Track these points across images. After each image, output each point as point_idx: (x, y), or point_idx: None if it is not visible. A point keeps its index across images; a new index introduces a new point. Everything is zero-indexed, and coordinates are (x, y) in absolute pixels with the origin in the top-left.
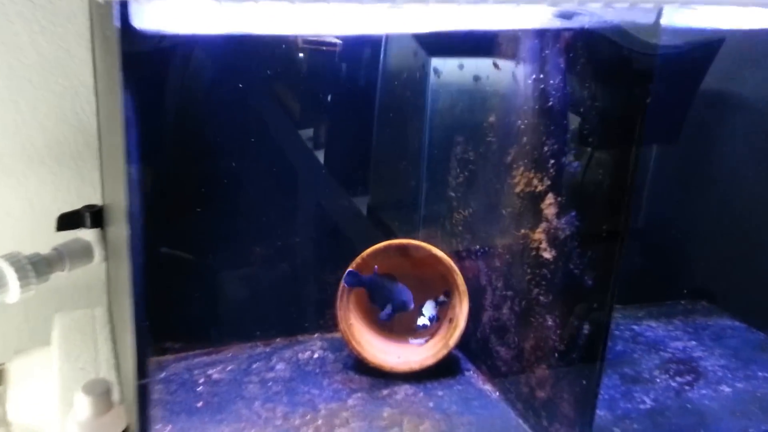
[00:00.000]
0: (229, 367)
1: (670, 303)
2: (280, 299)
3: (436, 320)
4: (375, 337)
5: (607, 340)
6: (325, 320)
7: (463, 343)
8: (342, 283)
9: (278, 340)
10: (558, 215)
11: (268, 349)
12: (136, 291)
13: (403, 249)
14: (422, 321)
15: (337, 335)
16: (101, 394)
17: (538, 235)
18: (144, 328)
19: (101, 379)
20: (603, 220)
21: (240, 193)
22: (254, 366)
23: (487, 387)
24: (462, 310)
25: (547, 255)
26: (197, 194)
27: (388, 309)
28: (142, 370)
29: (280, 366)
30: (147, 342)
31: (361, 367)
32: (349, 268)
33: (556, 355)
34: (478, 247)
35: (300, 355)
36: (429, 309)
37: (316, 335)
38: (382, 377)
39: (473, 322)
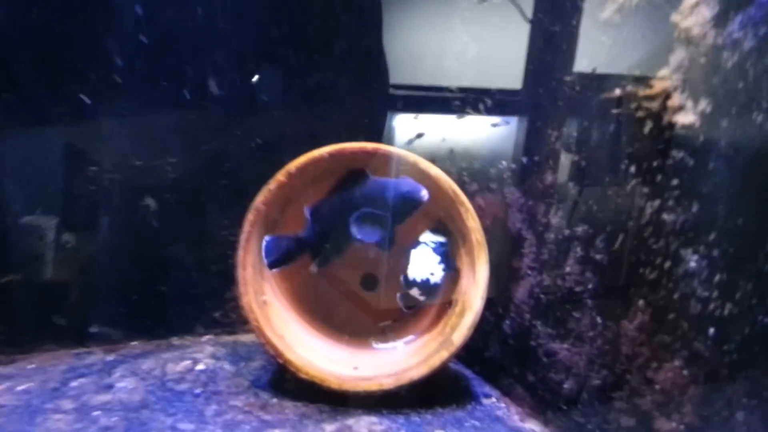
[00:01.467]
0: (25, 386)
1: None
2: (135, 280)
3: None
4: (313, 333)
5: None
6: (224, 311)
7: (475, 348)
8: (250, 217)
9: (134, 344)
10: None
11: (109, 358)
12: None
13: (363, 160)
14: (418, 273)
15: (244, 338)
16: None
17: None
18: None
19: None
20: None
21: None
22: (73, 384)
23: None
24: (476, 281)
25: None
26: None
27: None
28: None
29: (123, 384)
30: None
31: (285, 383)
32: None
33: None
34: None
35: (170, 367)
36: (428, 252)
37: (205, 338)
38: (326, 402)
39: (496, 305)
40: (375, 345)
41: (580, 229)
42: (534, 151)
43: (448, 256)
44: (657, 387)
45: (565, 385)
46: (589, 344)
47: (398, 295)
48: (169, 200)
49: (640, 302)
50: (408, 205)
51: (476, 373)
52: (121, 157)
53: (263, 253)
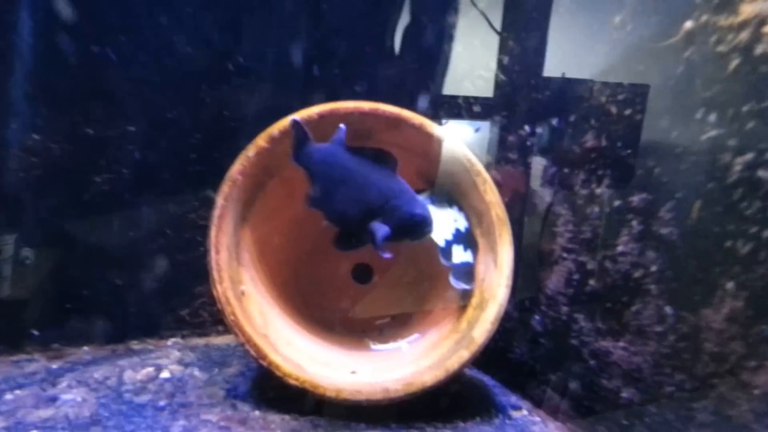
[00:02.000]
0: None
1: None
2: (84, 272)
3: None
4: (301, 331)
5: None
6: (193, 309)
7: (495, 349)
8: (224, 189)
9: (85, 349)
10: None
11: (54, 365)
12: None
13: (359, 122)
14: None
15: (218, 340)
16: None
17: None
18: None
19: None
20: None
21: None
22: (7, 397)
23: None
24: (498, 266)
25: None
26: None
27: (380, 230)
28: None
29: (70, 396)
30: None
31: (269, 392)
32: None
33: None
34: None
35: (128, 375)
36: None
37: (171, 341)
38: (320, 414)
39: (520, 297)
40: (373, 346)
41: (637, 198)
42: (568, 108)
43: (470, 233)
44: (756, 392)
45: (624, 394)
46: (657, 341)
47: (452, 290)
48: (127, 177)
49: (729, 285)
50: (415, 234)
51: (497, 380)
52: (68, 126)
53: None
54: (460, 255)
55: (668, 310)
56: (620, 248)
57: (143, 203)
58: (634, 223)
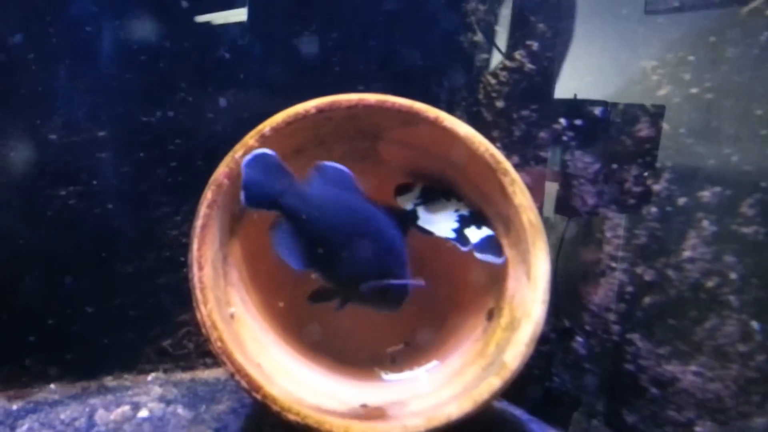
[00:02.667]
0: None
1: None
2: (50, 298)
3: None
4: (301, 360)
5: None
6: (176, 339)
7: (527, 378)
8: (208, 195)
9: (51, 387)
10: None
11: (15, 406)
12: None
13: (365, 118)
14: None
15: (205, 374)
16: None
17: None
18: None
19: None
20: None
21: None
22: None
23: None
24: (532, 279)
25: None
26: None
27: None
28: None
29: None
30: None
31: (263, 430)
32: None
33: None
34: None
35: (99, 415)
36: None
37: (152, 375)
38: None
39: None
40: (385, 376)
41: (707, 194)
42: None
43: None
44: None
45: (698, 428)
46: (741, 363)
47: (477, 271)
48: (97, 189)
49: None
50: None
51: (531, 414)
52: (29, 129)
53: (244, 172)
54: (475, 234)
55: (754, 325)
56: (687, 253)
57: (116, 217)
58: (705, 222)
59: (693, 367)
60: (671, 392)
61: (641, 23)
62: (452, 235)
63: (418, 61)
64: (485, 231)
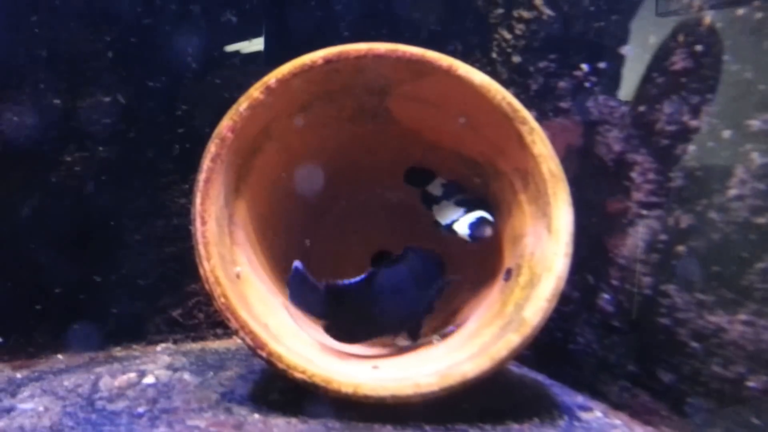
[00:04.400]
0: None
1: None
2: (56, 268)
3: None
4: (311, 323)
5: None
6: (186, 309)
7: (547, 341)
8: (212, 149)
9: (58, 357)
10: None
11: (18, 375)
12: None
13: (374, 69)
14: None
15: (215, 344)
16: None
17: None
18: None
19: None
20: None
21: None
22: None
23: None
24: (553, 232)
25: None
26: None
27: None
28: None
29: (29, 405)
30: None
31: (271, 394)
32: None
33: None
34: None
35: (104, 382)
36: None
37: (161, 346)
38: (334, 415)
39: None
40: (398, 342)
41: (759, 122)
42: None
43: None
44: None
45: (751, 383)
46: None
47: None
48: (103, 155)
49: None
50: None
51: (554, 378)
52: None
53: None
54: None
55: None
56: (733, 191)
57: (123, 185)
58: (755, 155)
59: (742, 316)
60: (715, 345)
61: None
62: (466, 230)
63: (430, 26)
64: (477, 213)
